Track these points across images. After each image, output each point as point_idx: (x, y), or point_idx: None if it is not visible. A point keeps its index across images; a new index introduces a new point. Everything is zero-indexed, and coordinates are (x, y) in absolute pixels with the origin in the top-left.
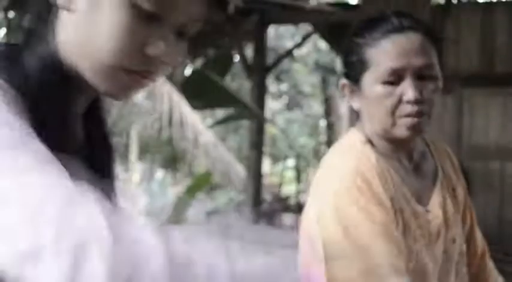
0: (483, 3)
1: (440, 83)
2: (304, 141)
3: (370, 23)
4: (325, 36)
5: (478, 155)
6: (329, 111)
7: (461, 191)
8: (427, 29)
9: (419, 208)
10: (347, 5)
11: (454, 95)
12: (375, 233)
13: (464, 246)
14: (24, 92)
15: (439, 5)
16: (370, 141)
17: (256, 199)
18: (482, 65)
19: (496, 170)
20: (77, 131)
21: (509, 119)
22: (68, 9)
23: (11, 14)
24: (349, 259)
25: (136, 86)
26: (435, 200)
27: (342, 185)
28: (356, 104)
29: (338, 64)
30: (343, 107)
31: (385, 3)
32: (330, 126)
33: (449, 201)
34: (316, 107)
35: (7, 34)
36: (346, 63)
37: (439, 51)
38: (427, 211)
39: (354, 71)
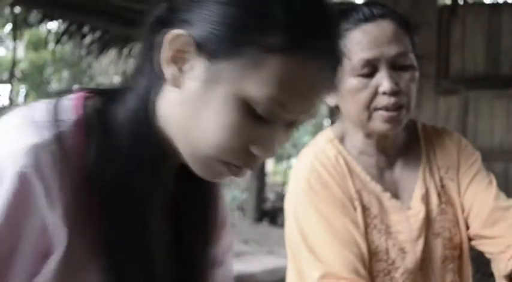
0: (489, 4)
1: (417, 73)
2: (308, 140)
3: (341, 14)
4: None
5: (483, 156)
6: (333, 110)
7: (451, 179)
8: (400, 17)
9: (396, 204)
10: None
11: (459, 97)
12: (330, 237)
13: (458, 239)
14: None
15: (445, 6)
16: (341, 139)
17: (260, 198)
18: (488, 67)
19: (500, 171)
20: (164, 182)
21: None
22: (176, 86)
23: (17, 10)
24: (308, 263)
25: (231, 175)
26: (417, 193)
27: (298, 186)
28: (331, 100)
29: None
30: None
31: (390, 4)
32: None
33: (433, 193)
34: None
35: (13, 29)
36: None
37: (412, 39)
38: (408, 207)
39: None
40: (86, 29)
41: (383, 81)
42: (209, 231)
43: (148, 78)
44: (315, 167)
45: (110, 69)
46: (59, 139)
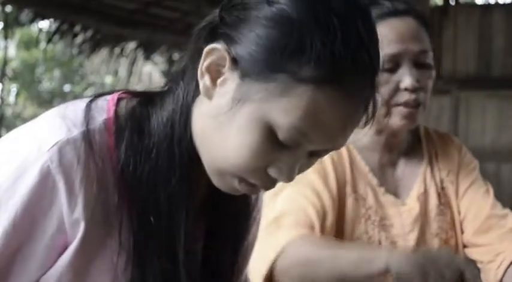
0: (481, 5)
1: (434, 72)
2: None
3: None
4: None
5: (474, 156)
6: None
7: (451, 182)
8: (420, 14)
9: (390, 199)
10: None
11: (451, 97)
12: (302, 197)
13: (454, 242)
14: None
15: (436, 7)
16: None
17: None
18: (480, 68)
19: (492, 171)
20: (195, 187)
21: (505, 121)
22: (207, 97)
23: (8, 8)
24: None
25: (245, 192)
26: (414, 193)
27: None
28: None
29: None
30: None
31: None
32: None
33: (433, 194)
34: None
35: (4, 28)
36: None
37: (430, 38)
38: (403, 203)
39: None
40: (77, 28)
41: (405, 77)
42: (238, 242)
43: (188, 84)
44: None
45: (101, 68)
46: (86, 136)
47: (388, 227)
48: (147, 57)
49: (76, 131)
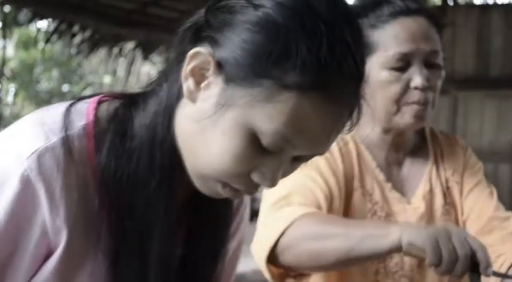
0: (479, 5)
1: (443, 72)
2: None
3: (374, 3)
4: None
5: None
6: None
7: (456, 181)
8: (432, 15)
9: (396, 195)
10: None
11: (449, 97)
12: (310, 180)
13: None
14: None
15: (435, 7)
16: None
17: (250, 197)
18: (478, 68)
19: (490, 172)
20: (176, 191)
21: (503, 121)
22: (191, 101)
23: (7, 8)
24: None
25: (228, 196)
26: (420, 192)
27: None
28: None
29: None
30: None
31: None
32: None
33: (438, 193)
34: None
35: (2, 28)
36: None
37: (440, 38)
38: (409, 202)
39: None
40: (75, 28)
41: (416, 76)
42: (218, 247)
43: (172, 86)
44: None
45: (99, 68)
46: (65, 142)
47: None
48: (146, 57)
49: (54, 138)
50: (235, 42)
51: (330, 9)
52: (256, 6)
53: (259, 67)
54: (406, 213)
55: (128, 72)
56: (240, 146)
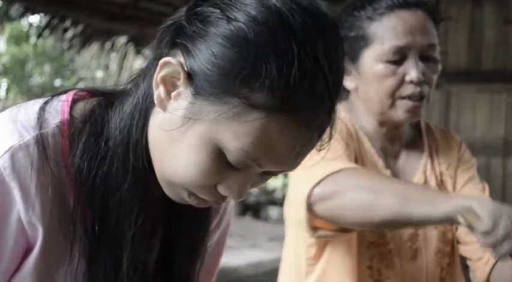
0: None
1: (439, 66)
2: None
3: None
4: None
5: None
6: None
7: (450, 175)
8: (430, 8)
9: None
10: None
11: (441, 91)
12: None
13: (450, 235)
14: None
15: (428, 0)
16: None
17: None
18: (470, 61)
19: (482, 166)
20: (151, 194)
21: (496, 115)
22: (161, 109)
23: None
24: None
25: (194, 204)
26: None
27: None
28: (350, 84)
29: None
30: None
31: None
32: None
33: (433, 185)
34: None
35: None
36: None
37: (437, 32)
38: None
39: (351, 47)
40: (67, 22)
41: (411, 70)
42: (196, 247)
43: (149, 88)
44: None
45: (92, 63)
46: (39, 140)
47: None
48: (138, 51)
49: (28, 136)
50: (205, 55)
51: (305, 26)
52: (230, 20)
53: (227, 84)
54: None
55: (121, 67)
56: (205, 160)
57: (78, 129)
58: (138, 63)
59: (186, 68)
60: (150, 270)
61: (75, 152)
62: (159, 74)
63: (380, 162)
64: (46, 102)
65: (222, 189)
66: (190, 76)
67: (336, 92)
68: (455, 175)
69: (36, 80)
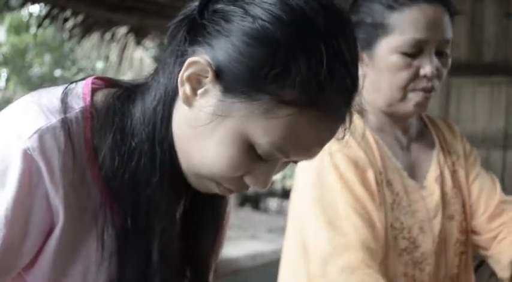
0: None
1: (450, 61)
2: None
3: None
4: None
5: None
6: None
7: (461, 166)
8: (449, 3)
9: (412, 183)
10: None
11: (442, 84)
12: (349, 207)
13: (465, 225)
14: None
15: None
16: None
17: None
18: (471, 54)
19: (482, 158)
20: (175, 186)
21: (496, 108)
22: (187, 105)
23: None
24: (322, 231)
25: (221, 193)
26: (431, 175)
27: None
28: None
29: None
30: None
31: None
32: None
33: (447, 176)
34: None
35: None
36: (356, 24)
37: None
38: (422, 187)
39: (367, 34)
40: (68, 12)
41: (426, 65)
42: (216, 239)
43: (169, 82)
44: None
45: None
46: (64, 124)
47: (415, 213)
48: (138, 42)
49: (54, 119)
50: (232, 54)
51: (328, 24)
52: (254, 18)
53: (257, 82)
54: (425, 201)
55: (121, 58)
56: (235, 154)
57: (101, 123)
58: (138, 53)
59: (213, 67)
60: (177, 258)
61: (101, 147)
62: (185, 73)
63: (398, 165)
64: (67, 88)
65: (248, 180)
66: (217, 74)
67: (358, 84)
68: (466, 166)
69: (36, 70)
